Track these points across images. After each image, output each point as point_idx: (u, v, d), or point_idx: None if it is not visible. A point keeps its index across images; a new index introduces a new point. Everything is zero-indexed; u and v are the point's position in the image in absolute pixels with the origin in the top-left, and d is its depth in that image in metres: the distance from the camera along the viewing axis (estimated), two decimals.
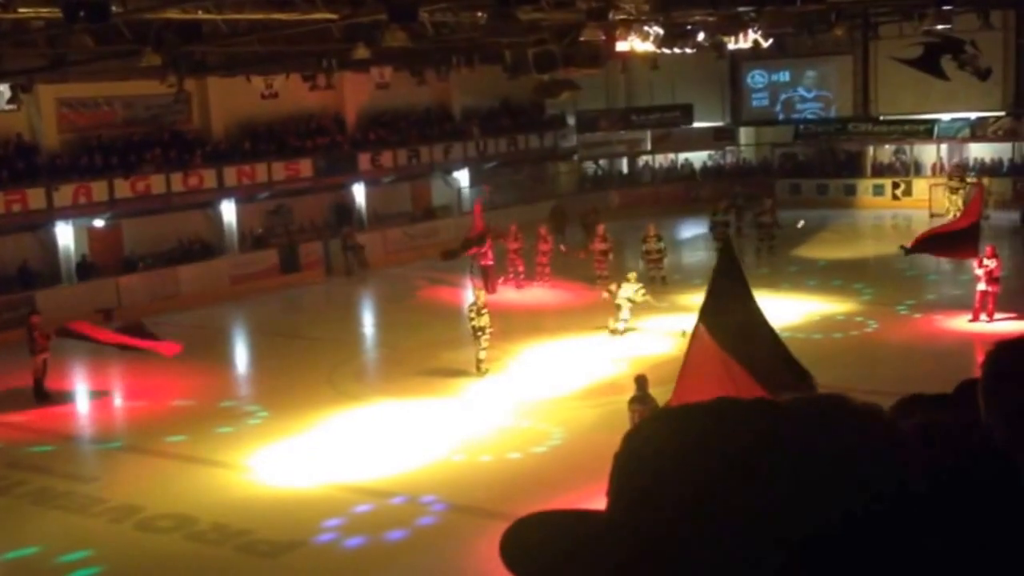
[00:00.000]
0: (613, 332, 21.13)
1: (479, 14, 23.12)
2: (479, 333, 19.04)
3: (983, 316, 20.59)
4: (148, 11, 20.57)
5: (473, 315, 19.15)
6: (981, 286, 20.70)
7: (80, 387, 20.82)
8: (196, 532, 13.03)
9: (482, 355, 19.10)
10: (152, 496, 14.22)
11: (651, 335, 21.01)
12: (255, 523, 13.16)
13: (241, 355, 24.92)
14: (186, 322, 25.24)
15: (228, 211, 30.79)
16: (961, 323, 20.79)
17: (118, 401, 19.74)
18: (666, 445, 1.17)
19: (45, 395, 19.07)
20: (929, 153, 37.79)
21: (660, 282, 25.76)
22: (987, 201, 29.57)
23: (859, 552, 1.03)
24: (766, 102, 40.86)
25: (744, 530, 1.06)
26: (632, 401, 13.45)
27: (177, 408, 18.34)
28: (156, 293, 27.45)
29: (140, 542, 12.91)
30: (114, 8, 16.54)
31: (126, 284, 27.43)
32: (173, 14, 21.44)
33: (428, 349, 21.36)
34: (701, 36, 27.47)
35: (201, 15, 22.06)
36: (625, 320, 21.18)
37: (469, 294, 26.89)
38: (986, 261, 20.63)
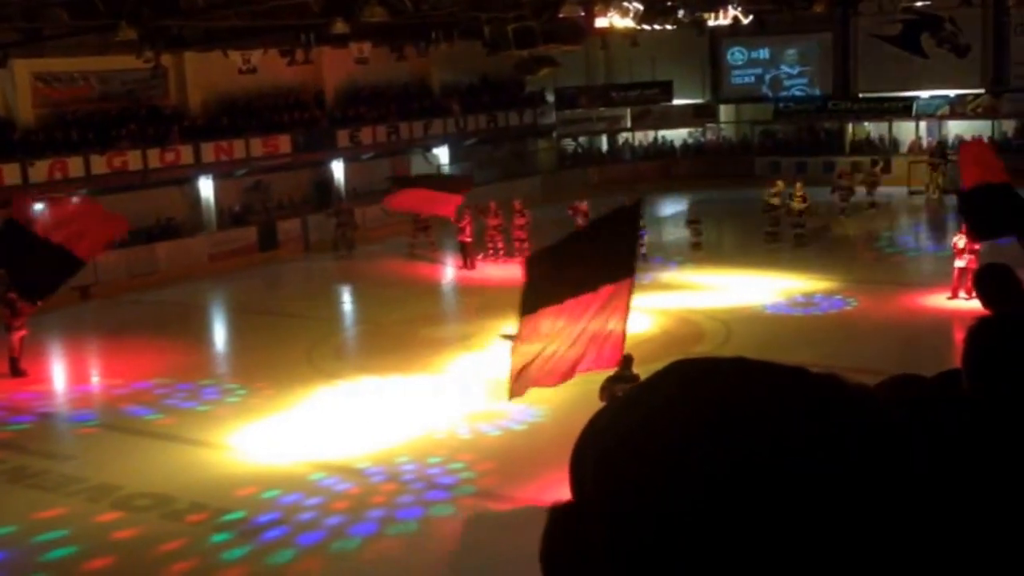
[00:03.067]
0: None
1: None
2: None
3: (962, 293, 20.67)
4: None
5: None
6: (959, 263, 20.78)
7: (57, 365, 20.63)
8: (174, 511, 12.93)
9: None
10: (130, 475, 14.11)
11: (631, 314, 20.97)
12: (234, 502, 13.09)
13: (220, 333, 24.78)
14: (164, 299, 25.09)
15: (206, 187, 30.57)
16: (940, 300, 20.87)
17: (95, 379, 19.58)
18: (631, 419, 1.10)
19: (21, 372, 18.87)
20: (908, 131, 37.88)
21: (641, 260, 25.71)
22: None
23: (850, 536, 1.00)
24: (746, 79, 40.83)
25: (715, 502, 1.00)
26: (612, 379, 13.29)
27: (155, 386, 18.17)
28: (133, 270, 27.25)
29: (117, 521, 12.80)
30: None
31: (103, 261, 27.07)
32: None
33: (408, 325, 21.30)
34: (681, 13, 27.44)
35: None
36: None
37: (448, 270, 26.98)
38: (962, 239, 20.71)
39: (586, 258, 12.08)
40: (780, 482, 0.99)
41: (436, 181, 28.44)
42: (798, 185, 27.01)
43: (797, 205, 26.77)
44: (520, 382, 12.04)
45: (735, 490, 0.99)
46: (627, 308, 12.07)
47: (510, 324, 19.50)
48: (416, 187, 27.00)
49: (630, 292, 12.06)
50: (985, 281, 5.51)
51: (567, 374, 12.23)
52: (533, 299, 11.94)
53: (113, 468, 14.43)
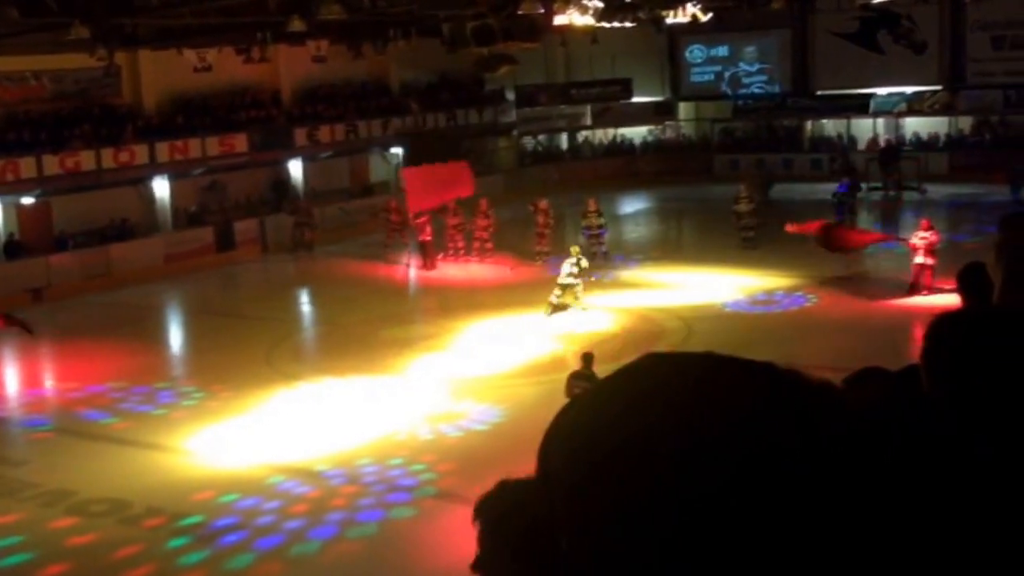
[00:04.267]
0: (551, 307, 20.96)
1: None
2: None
3: (921, 289, 20.83)
4: None
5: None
6: (918, 259, 20.94)
7: (9, 368, 20.30)
8: (130, 516, 12.73)
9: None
10: (85, 480, 13.88)
11: (593, 312, 20.97)
12: (191, 506, 12.90)
13: (176, 335, 24.47)
14: (118, 301, 24.74)
15: (161, 187, 30.16)
16: (900, 296, 21.01)
17: (48, 382, 19.25)
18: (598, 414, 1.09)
19: None
20: (866, 128, 38.21)
21: (602, 257, 25.75)
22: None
23: (806, 530, 0.99)
24: (705, 77, 40.99)
25: (678, 500, 1.00)
26: (574, 376, 13.26)
27: (110, 389, 17.90)
28: (87, 272, 26.82)
29: (73, 527, 12.59)
30: None
31: (56, 263, 26.75)
32: None
33: (368, 326, 21.14)
34: (641, 11, 27.43)
35: None
36: (558, 296, 21.00)
37: (411, 270, 26.80)
38: (923, 234, 20.86)
39: None
40: (753, 479, 0.99)
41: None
42: (743, 187, 26.74)
43: (743, 207, 26.44)
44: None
45: (707, 487, 0.99)
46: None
47: (474, 323, 19.45)
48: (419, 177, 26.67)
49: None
50: (969, 279, 5.50)
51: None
52: None
53: (68, 473, 14.19)
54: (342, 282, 26.01)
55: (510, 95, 39.64)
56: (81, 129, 28.40)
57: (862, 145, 37.80)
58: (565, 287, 20.92)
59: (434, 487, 13.35)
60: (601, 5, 25.90)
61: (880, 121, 37.88)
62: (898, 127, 37.81)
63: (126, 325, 22.41)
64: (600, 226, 26.23)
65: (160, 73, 30.32)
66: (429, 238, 26.29)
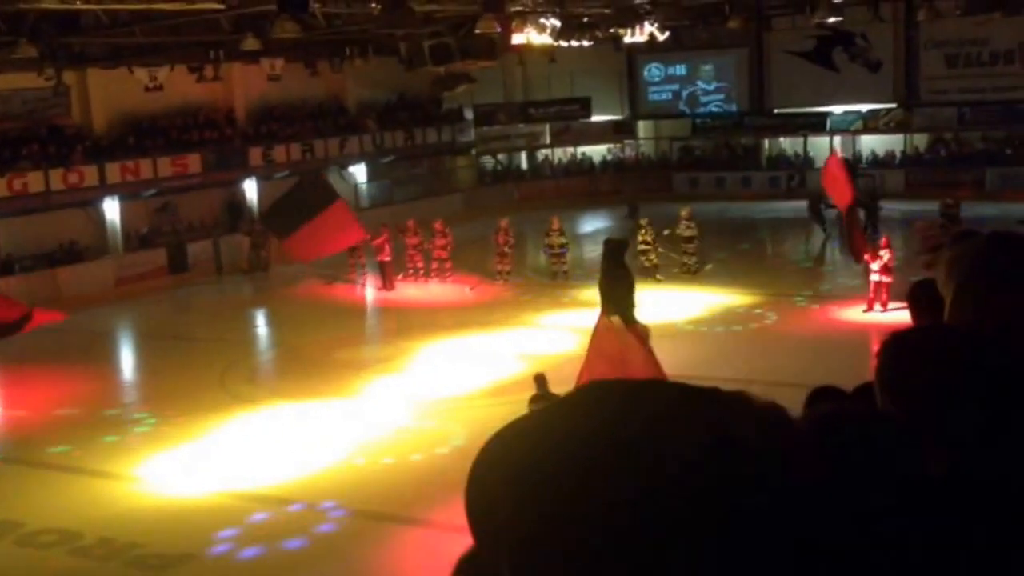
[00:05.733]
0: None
1: (373, 5, 22.62)
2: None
3: (877, 306, 20.87)
4: (23, 1, 19.60)
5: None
6: (875, 276, 21.00)
7: None
8: (81, 547, 12.35)
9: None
10: (33, 510, 13.48)
11: (554, 332, 20.79)
12: (144, 536, 12.54)
13: (127, 359, 23.99)
14: (68, 327, 24.04)
15: (111, 209, 29.60)
16: (856, 313, 21.05)
17: None
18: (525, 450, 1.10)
19: None
20: (823, 146, 38.49)
21: (562, 277, 25.58)
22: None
23: (749, 552, 1.00)
24: (663, 95, 41.13)
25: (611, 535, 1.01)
26: (532, 401, 13.09)
27: (58, 417, 17.45)
28: (35, 296, 26.02)
29: (21, 559, 12.21)
30: None
31: (3, 287, 26.04)
32: (50, 4, 20.48)
33: (325, 348, 20.82)
34: (598, 30, 27.42)
35: (80, 5, 21.14)
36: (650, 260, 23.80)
37: (369, 291, 26.48)
38: (880, 252, 20.92)
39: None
40: (711, 519, 0.98)
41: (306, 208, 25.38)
42: (685, 211, 25.83)
43: (685, 232, 25.55)
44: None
45: (664, 533, 0.98)
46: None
47: (433, 344, 19.18)
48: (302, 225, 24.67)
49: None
50: (919, 296, 5.34)
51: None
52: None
53: (15, 503, 13.77)
54: (298, 303, 25.65)
55: (468, 114, 39.49)
56: (29, 150, 27.81)
57: (819, 163, 38.04)
58: (645, 252, 23.68)
59: (395, 512, 13.07)
60: (558, 24, 25.86)
61: (837, 139, 38.20)
62: (855, 145, 38.13)
63: (75, 350, 21.89)
64: (562, 245, 26.04)
65: (110, 93, 29.81)
66: (388, 258, 25.98)
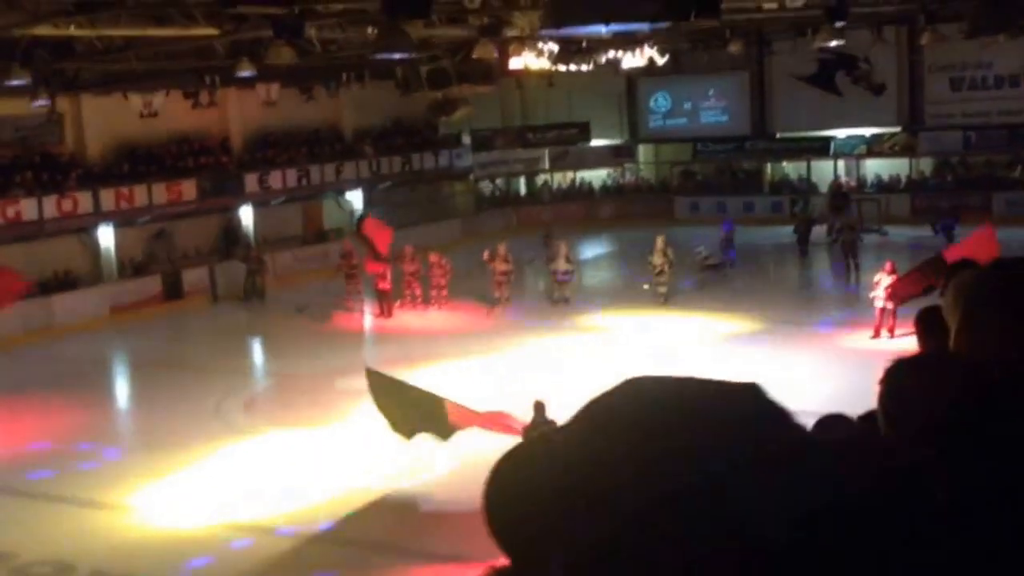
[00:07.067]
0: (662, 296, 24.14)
1: (369, 30, 22.41)
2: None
3: (884, 332, 20.53)
4: (16, 27, 19.35)
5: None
6: (879, 303, 20.68)
7: None
8: None
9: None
10: (25, 542, 13.33)
11: (553, 358, 20.46)
12: (138, 567, 12.45)
13: (122, 388, 23.68)
14: (61, 355, 23.89)
15: (106, 236, 29.28)
16: (862, 340, 20.72)
17: None
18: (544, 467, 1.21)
19: None
20: (826, 170, 38.23)
21: (563, 303, 25.26)
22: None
23: (767, 562, 1.07)
24: (664, 120, 40.89)
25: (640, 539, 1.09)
26: (531, 428, 12.90)
27: (52, 446, 17.19)
28: (29, 324, 25.81)
29: None
30: None
31: None
32: (43, 30, 20.24)
33: (322, 377, 20.51)
34: (597, 54, 27.21)
35: (74, 31, 20.90)
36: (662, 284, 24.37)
37: (367, 319, 26.15)
38: (885, 278, 20.60)
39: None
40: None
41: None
42: (660, 240, 25.14)
43: (657, 260, 24.89)
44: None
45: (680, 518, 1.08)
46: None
47: (427, 374, 18.84)
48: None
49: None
50: (926, 323, 5.09)
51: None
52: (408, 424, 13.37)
53: (8, 534, 13.64)
54: (295, 331, 25.32)
55: (466, 139, 39.25)
56: (22, 177, 27.51)
57: (823, 188, 37.79)
58: (660, 273, 23.79)
59: (391, 541, 12.96)
60: (556, 48, 25.62)
61: (840, 163, 37.93)
62: (859, 169, 37.86)
63: (69, 379, 21.60)
64: (567, 272, 25.71)
65: (104, 119, 29.57)
66: (388, 286, 25.66)
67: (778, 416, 1.22)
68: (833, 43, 24.34)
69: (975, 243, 18.40)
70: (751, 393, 1.24)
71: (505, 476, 1.24)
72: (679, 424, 1.15)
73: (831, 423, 1.95)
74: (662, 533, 1.06)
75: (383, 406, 13.38)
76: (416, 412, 13.13)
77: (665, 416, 1.16)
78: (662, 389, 1.24)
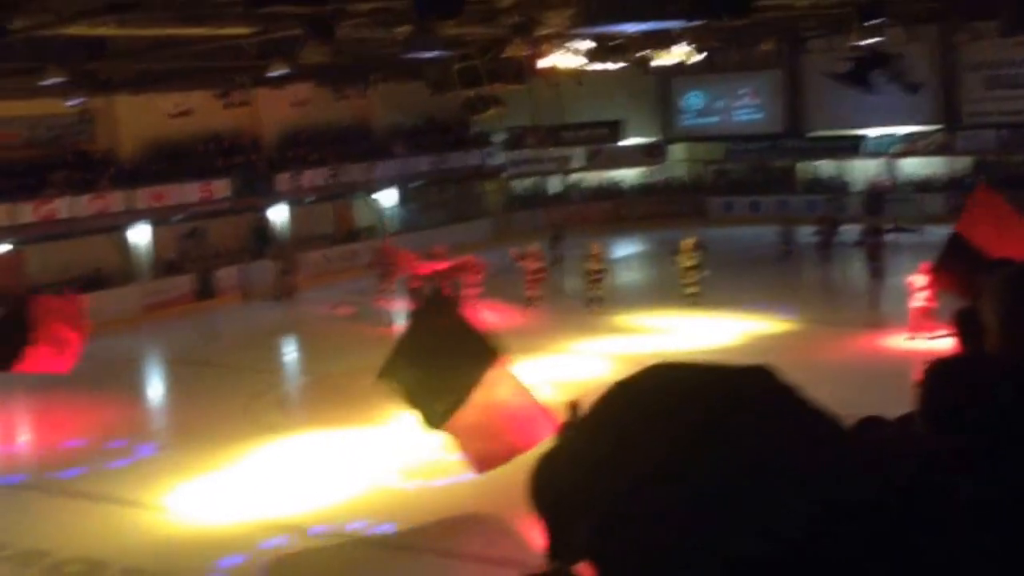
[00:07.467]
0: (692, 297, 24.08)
1: (400, 28, 22.34)
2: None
3: (920, 333, 20.23)
4: (50, 27, 19.42)
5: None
6: (917, 303, 20.39)
7: None
8: None
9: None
10: (58, 539, 13.38)
11: (586, 358, 20.33)
12: (170, 566, 12.45)
13: (154, 386, 23.82)
14: (96, 353, 23.84)
15: (138, 235, 29.44)
16: (900, 340, 20.44)
17: (21, 437, 18.57)
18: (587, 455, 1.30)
19: None
20: (859, 169, 37.76)
21: (597, 303, 25.13)
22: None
23: (802, 561, 1.10)
24: (697, 118, 40.59)
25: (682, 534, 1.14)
26: (565, 428, 12.75)
27: (84, 444, 17.33)
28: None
29: None
30: (14, 24, 15.48)
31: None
32: (77, 30, 20.32)
33: (352, 376, 20.43)
34: (630, 52, 26.99)
35: (107, 31, 20.97)
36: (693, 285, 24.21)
37: (400, 318, 26.12)
38: (922, 279, 20.30)
39: (443, 357, 12.39)
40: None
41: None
42: (688, 243, 25.26)
43: (684, 263, 25.02)
44: (479, 455, 12.08)
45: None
46: (515, 384, 12.37)
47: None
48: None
49: (509, 371, 12.40)
50: (964, 323, 4.99)
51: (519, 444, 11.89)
52: (434, 410, 12.17)
53: (40, 532, 13.69)
54: (326, 330, 25.36)
55: (498, 137, 39.13)
56: (56, 176, 27.70)
57: (857, 187, 37.33)
58: (688, 273, 23.96)
59: (424, 540, 12.83)
60: (590, 46, 25.45)
61: (875, 162, 37.44)
62: (893, 168, 37.38)
63: (102, 377, 21.71)
64: (599, 271, 25.60)
65: (136, 118, 29.75)
66: (420, 285, 25.59)
67: (790, 396, 1.30)
68: (868, 41, 24.04)
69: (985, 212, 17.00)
70: (764, 375, 1.35)
71: (542, 463, 1.40)
72: (696, 406, 1.25)
73: (871, 425, 1.93)
74: (678, 500, 1.15)
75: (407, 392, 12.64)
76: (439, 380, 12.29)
77: (683, 398, 1.27)
78: (680, 374, 1.36)
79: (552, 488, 1.37)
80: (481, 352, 12.17)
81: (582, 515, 1.28)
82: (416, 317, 13.43)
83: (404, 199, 36.02)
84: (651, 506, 1.22)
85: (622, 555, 1.23)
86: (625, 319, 24.08)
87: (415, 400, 12.17)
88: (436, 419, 12.01)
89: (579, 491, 1.32)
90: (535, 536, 1.61)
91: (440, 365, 12.16)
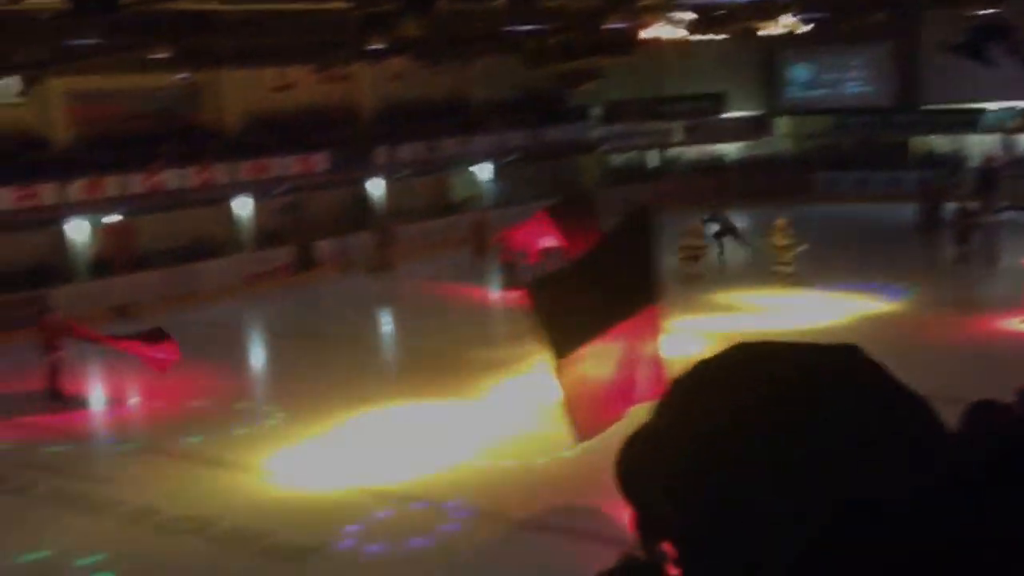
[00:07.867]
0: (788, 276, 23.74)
1: (498, 1, 22.24)
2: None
3: None
4: (158, 2, 19.80)
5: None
6: None
7: (95, 388, 20.20)
8: (215, 535, 12.65)
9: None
10: (169, 498, 13.82)
11: (683, 336, 20.05)
12: (274, 526, 12.71)
13: (257, 355, 24.25)
14: (201, 320, 24.56)
15: (242, 207, 29.97)
16: (1014, 322, 19.73)
17: (133, 401, 19.10)
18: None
19: (59, 396, 18.53)
20: (976, 144, 36.37)
21: (696, 279, 24.79)
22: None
23: (898, 527, 1.08)
24: (804, 90, 39.51)
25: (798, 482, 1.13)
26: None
27: (193, 409, 17.85)
28: (170, 291, 26.68)
29: (158, 545, 12.49)
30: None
31: (140, 282, 26.69)
32: (184, 4, 20.68)
33: (451, 348, 20.61)
34: (734, 22, 26.44)
35: (212, 5, 21.30)
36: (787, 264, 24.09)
37: (493, 292, 26.14)
38: None
39: (607, 282, 11.50)
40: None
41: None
42: (781, 222, 24.82)
43: (778, 242, 24.59)
44: (584, 423, 11.44)
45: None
46: (657, 332, 11.62)
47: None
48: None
49: (658, 316, 11.64)
50: None
51: (625, 404, 11.39)
52: (566, 336, 11.36)
53: (152, 491, 14.13)
54: (424, 302, 25.49)
55: (596, 110, 38.69)
56: (164, 148, 28.33)
57: (973, 163, 35.96)
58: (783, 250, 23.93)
59: (518, 514, 12.81)
60: (692, 17, 24.99)
61: (992, 137, 36.04)
62: (1010, 144, 35.84)
63: (207, 344, 22.18)
64: (699, 247, 25.67)
65: (241, 92, 30.22)
66: (512, 259, 25.52)
67: (880, 376, 1.28)
68: (987, 11, 23.16)
69: None
70: (851, 351, 1.33)
71: (625, 445, 1.40)
72: (783, 384, 1.23)
73: (983, 408, 1.87)
74: (768, 487, 1.14)
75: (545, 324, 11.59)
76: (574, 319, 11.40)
77: (763, 374, 1.26)
78: (762, 350, 1.33)
79: (631, 467, 1.38)
80: (640, 291, 11.42)
81: (659, 488, 1.29)
82: (612, 231, 12.38)
83: (499, 173, 35.97)
84: (726, 467, 1.21)
85: (697, 528, 1.23)
86: (724, 296, 23.70)
87: (551, 322, 11.36)
88: (563, 347, 11.22)
89: (655, 464, 1.33)
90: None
91: (602, 287, 11.39)
